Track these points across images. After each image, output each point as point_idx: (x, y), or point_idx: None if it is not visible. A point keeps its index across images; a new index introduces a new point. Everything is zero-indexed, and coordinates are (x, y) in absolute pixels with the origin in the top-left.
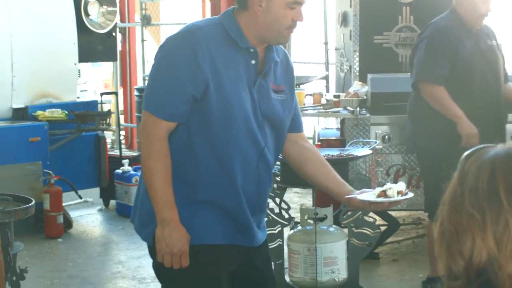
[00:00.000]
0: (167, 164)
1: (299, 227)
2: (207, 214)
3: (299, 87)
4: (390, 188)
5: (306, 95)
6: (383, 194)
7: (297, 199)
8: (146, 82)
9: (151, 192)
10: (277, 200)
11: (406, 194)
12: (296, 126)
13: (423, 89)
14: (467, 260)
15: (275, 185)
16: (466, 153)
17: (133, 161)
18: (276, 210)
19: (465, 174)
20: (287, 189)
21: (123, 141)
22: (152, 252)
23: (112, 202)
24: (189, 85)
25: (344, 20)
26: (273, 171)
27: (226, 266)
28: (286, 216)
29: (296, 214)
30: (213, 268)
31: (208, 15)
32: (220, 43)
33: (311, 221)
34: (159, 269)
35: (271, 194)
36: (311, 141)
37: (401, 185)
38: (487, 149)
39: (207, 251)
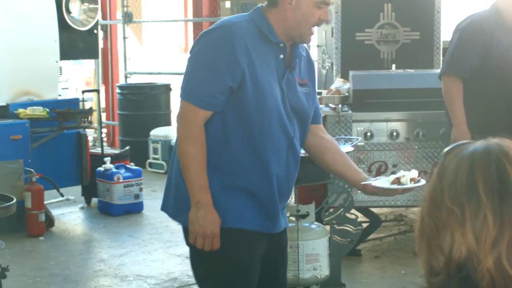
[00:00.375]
0: (203, 149)
1: None
2: (241, 200)
3: None
4: (403, 176)
5: None
6: (397, 181)
7: None
8: (184, 73)
9: (187, 175)
10: None
11: (418, 181)
12: (316, 118)
13: (443, 80)
14: (447, 256)
15: None
16: (446, 149)
17: (114, 159)
18: None
19: (445, 170)
20: None
21: (104, 139)
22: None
23: (94, 200)
24: (227, 76)
25: None
26: None
27: (258, 251)
28: None
29: None
30: (248, 249)
31: (190, 13)
32: (253, 37)
33: (293, 218)
34: (197, 254)
35: None
36: None
37: (414, 173)
38: (467, 145)
39: (241, 234)
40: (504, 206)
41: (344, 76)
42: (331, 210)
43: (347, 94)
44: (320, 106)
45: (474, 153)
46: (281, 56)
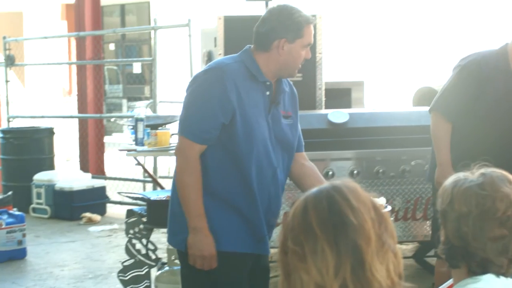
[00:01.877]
0: (199, 180)
1: (167, 268)
2: (234, 223)
3: (165, 127)
4: None
5: (172, 134)
6: None
7: (165, 239)
8: (181, 110)
9: (185, 203)
10: (144, 241)
11: (385, 207)
12: (298, 147)
13: (432, 117)
14: None
15: (141, 226)
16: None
17: None
18: (143, 251)
19: (287, 218)
20: (155, 229)
21: None
22: (183, 258)
23: None
24: (220, 114)
25: (209, 59)
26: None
27: (246, 270)
28: (153, 257)
29: (163, 255)
30: (239, 270)
31: (74, 55)
32: (243, 77)
33: (178, 261)
34: (188, 275)
35: (137, 235)
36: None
37: (382, 200)
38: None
39: (234, 256)
40: (339, 235)
41: None
42: None
43: None
44: None
45: (307, 195)
46: (267, 93)
